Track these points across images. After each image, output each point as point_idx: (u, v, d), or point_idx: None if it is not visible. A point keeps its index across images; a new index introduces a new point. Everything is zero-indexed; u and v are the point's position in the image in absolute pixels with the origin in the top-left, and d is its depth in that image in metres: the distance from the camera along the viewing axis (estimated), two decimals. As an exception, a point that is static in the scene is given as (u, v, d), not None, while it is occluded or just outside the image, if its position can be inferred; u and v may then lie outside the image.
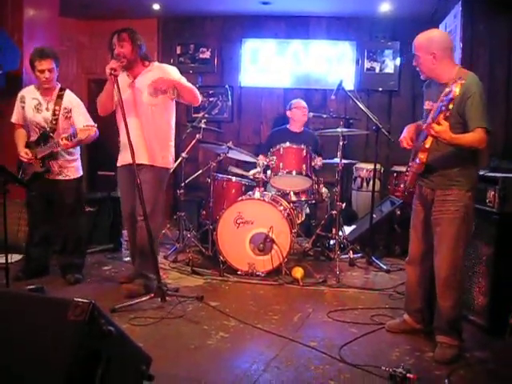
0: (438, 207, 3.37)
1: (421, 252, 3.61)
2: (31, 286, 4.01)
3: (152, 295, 4.05)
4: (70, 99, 4.65)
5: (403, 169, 6.22)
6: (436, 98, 3.25)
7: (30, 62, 4.52)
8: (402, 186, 6.23)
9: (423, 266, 3.61)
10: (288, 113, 6.39)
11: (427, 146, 3.24)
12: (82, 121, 4.49)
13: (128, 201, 4.47)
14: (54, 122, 4.54)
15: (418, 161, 3.33)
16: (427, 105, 3.46)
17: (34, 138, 4.64)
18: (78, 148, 4.77)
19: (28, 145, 4.64)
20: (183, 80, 4.46)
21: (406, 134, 3.56)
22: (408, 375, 2.97)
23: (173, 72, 4.46)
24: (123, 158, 4.45)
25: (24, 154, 4.57)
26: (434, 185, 3.41)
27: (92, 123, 4.37)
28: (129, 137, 3.97)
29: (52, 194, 4.66)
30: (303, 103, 6.35)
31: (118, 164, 4.54)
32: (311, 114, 6.13)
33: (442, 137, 3.08)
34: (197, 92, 4.51)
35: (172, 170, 4.82)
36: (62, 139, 4.37)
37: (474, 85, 3.20)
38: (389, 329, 3.79)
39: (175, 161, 5.78)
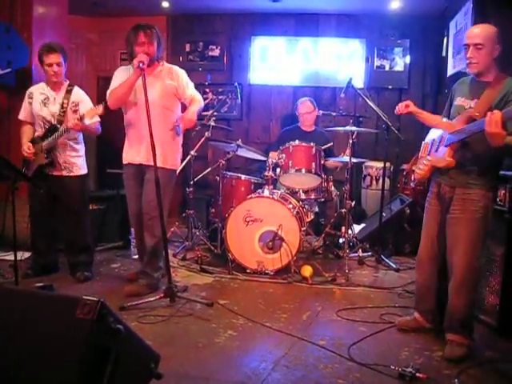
0: (458, 206, 3.31)
1: (432, 252, 3.56)
2: (40, 284, 4.01)
3: (162, 295, 4.06)
4: (79, 94, 4.70)
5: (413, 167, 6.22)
6: (476, 96, 3.22)
7: (38, 56, 4.57)
8: (412, 184, 6.17)
9: (433, 266, 3.57)
10: (296, 112, 6.38)
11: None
12: None
13: (135, 200, 4.47)
14: (61, 115, 4.57)
15: (447, 157, 3.26)
16: (461, 101, 3.38)
17: (39, 133, 4.66)
18: (83, 145, 4.80)
19: (34, 140, 4.65)
20: (192, 91, 4.50)
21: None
22: (417, 374, 2.98)
23: (182, 76, 4.46)
24: (132, 157, 4.44)
25: (26, 148, 4.59)
26: (454, 182, 3.34)
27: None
28: (151, 135, 3.92)
29: (56, 191, 4.67)
30: (306, 106, 6.25)
31: (125, 162, 4.51)
32: (320, 111, 6.09)
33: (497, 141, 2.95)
34: (202, 105, 4.54)
35: (181, 169, 4.83)
36: (72, 120, 4.39)
37: None
38: (399, 326, 3.77)
39: (184, 159, 5.80)
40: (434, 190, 3.53)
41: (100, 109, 4.31)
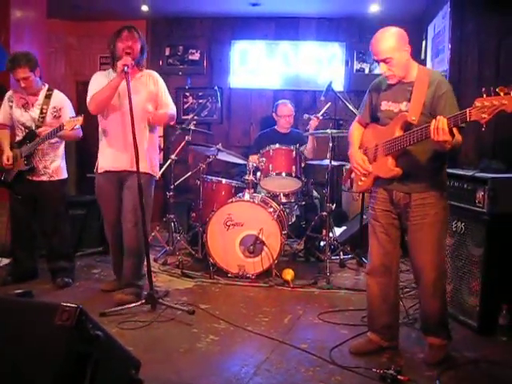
0: (417, 212, 3.22)
1: (386, 259, 3.40)
2: (19, 291, 3.96)
3: (143, 301, 4.03)
4: (60, 99, 4.65)
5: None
6: (403, 99, 3.19)
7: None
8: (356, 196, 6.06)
9: (388, 275, 3.41)
10: (274, 115, 6.33)
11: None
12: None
13: (113, 208, 4.37)
14: (40, 120, 4.53)
15: (392, 167, 3.19)
16: (388, 105, 3.29)
17: (19, 137, 4.62)
18: (63, 149, 4.75)
19: (12, 145, 4.62)
20: (168, 100, 4.46)
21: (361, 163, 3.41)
22: (399, 376, 2.98)
23: (161, 83, 4.42)
24: (112, 163, 4.30)
25: (5, 159, 4.55)
26: (408, 189, 3.24)
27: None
28: (135, 141, 3.88)
29: (36, 196, 4.62)
30: (287, 110, 6.21)
31: (101, 170, 4.35)
32: (306, 115, 5.99)
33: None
34: (172, 115, 4.48)
35: (161, 173, 4.79)
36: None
37: (444, 82, 3.17)
38: (353, 350, 3.46)
39: (165, 163, 5.79)
40: (382, 196, 3.37)
41: (80, 120, 4.21)
